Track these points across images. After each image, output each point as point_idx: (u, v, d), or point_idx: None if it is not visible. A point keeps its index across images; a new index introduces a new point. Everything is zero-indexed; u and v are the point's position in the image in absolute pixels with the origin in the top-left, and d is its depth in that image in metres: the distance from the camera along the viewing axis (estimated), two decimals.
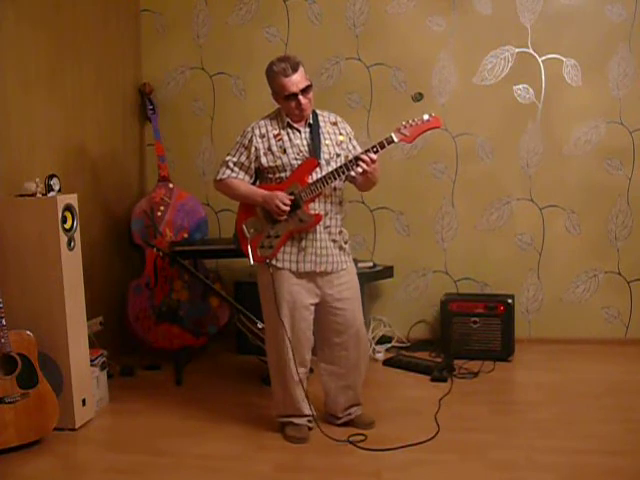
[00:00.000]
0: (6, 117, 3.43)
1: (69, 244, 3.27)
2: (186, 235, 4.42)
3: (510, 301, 4.25)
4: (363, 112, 4.57)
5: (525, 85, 4.43)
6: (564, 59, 4.37)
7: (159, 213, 4.38)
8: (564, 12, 4.34)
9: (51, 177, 3.29)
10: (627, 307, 4.49)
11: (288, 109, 2.99)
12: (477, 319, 4.25)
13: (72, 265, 3.29)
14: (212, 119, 4.78)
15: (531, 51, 4.40)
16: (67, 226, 3.27)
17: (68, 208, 3.27)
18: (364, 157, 2.89)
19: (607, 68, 4.34)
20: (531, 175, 4.50)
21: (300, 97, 2.93)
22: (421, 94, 4.46)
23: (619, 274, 4.48)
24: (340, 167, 2.94)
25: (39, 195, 3.25)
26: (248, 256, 3.04)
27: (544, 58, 4.39)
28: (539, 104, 4.43)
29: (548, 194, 4.49)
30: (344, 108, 4.52)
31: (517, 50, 4.41)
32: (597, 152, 4.41)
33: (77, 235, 3.34)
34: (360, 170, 2.91)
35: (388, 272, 4.44)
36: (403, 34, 4.50)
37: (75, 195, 3.37)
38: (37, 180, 3.26)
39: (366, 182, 3.07)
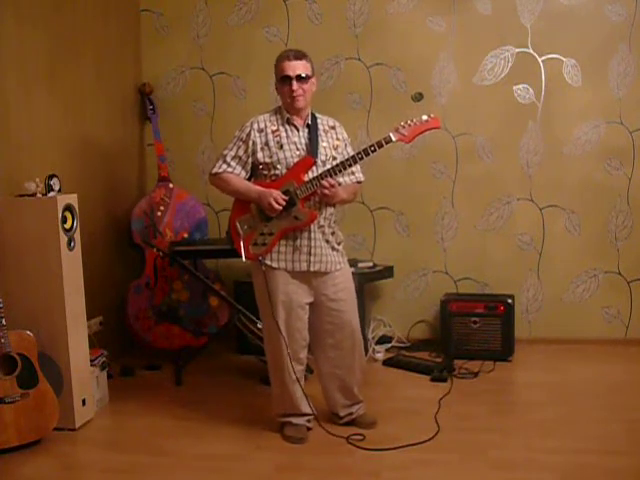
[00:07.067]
0: (6, 117, 3.42)
1: (69, 244, 3.27)
2: (186, 235, 4.42)
3: (510, 301, 4.25)
4: (363, 112, 4.57)
5: (525, 85, 4.43)
6: (564, 59, 4.37)
7: (159, 213, 4.38)
8: (564, 12, 4.34)
9: (51, 177, 3.29)
10: (627, 307, 4.49)
11: (283, 96, 3.01)
12: (477, 319, 4.25)
13: (72, 265, 3.29)
14: (212, 119, 4.78)
15: (531, 51, 4.40)
16: (67, 226, 3.27)
17: (68, 208, 3.27)
18: (323, 182, 2.91)
19: (607, 68, 4.34)
20: (531, 175, 4.50)
21: (294, 82, 2.94)
22: (421, 94, 4.46)
23: (619, 274, 4.48)
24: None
25: (39, 195, 3.24)
26: (240, 253, 3.03)
27: (544, 58, 4.39)
28: (539, 104, 4.43)
29: (548, 194, 4.49)
30: (344, 108, 4.53)
31: (517, 50, 4.41)
32: (597, 152, 4.41)
33: (77, 235, 3.34)
34: (320, 192, 2.93)
35: (388, 272, 4.43)
36: (403, 34, 4.50)
37: (75, 195, 3.36)
38: (37, 180, 3.26)
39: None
